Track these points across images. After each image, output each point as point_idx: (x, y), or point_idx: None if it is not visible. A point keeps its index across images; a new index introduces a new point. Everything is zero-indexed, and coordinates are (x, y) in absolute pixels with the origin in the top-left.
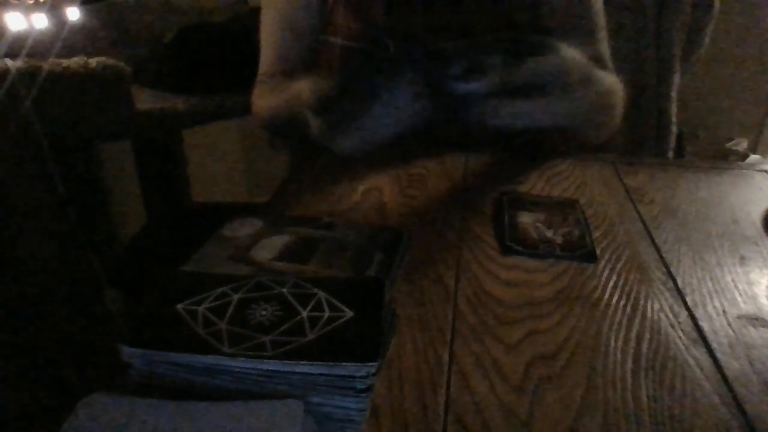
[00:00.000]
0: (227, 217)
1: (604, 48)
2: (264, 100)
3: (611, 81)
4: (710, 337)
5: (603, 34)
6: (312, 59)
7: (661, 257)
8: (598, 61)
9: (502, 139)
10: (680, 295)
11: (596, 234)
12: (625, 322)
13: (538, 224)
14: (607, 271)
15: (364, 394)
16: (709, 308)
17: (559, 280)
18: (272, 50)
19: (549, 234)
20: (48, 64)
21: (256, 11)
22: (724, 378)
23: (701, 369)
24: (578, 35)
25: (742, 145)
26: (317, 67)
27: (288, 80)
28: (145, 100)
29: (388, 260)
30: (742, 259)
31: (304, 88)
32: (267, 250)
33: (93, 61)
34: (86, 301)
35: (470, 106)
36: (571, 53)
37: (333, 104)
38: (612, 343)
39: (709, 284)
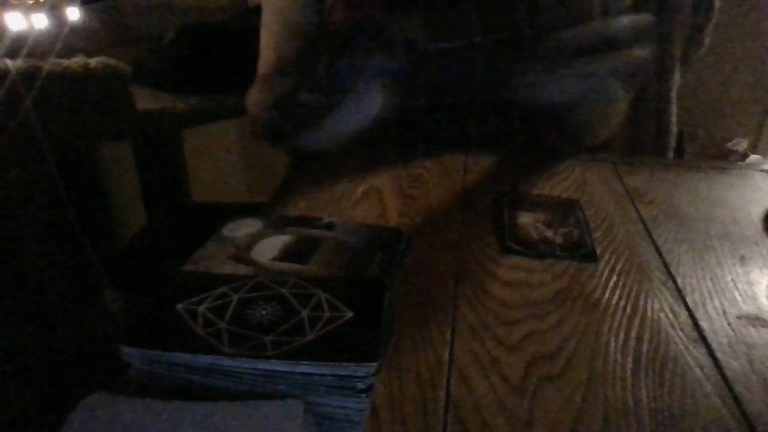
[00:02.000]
0: (227, 217)
1: None
2: (257, 99)
3: (611, 82)
4: (710, 337)
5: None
6: (311, 59)
7: (661, 257)
8: None
9: (502, 139)
10: (680, 295)
11: (596, 234)
12: (625, 322)
13: (538, 224)
14: (607, 271)
15: (364, 394)
16: (709, 308)
17: (559, 280)
18: (271, 50)
19: (549, 234)
20: (48, 64)
21: (256, 11)
22: (724, 378)
23: (701, 369)
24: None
25: (742, 145)
26: None
27: (280, 80)
28: (145, 100)
29: (388, 260)
30: (742, 259)
31: (293, 86)
32: (267, 250)
33: (93, 61)
34: (86, 301)
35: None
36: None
37: (296, 101)
38: (612, 343)
39: (709, 284)
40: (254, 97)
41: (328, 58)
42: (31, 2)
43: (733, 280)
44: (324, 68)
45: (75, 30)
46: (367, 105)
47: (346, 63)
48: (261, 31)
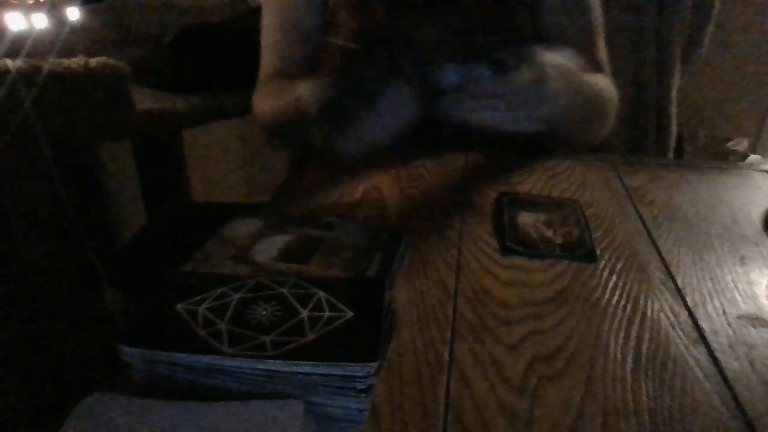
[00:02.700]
0: (227, 217)
1: (602, 49)
2: (265, 102)
3: (604, 84)
4: (710, 337)
5: (600, 36)
6: (314, 60)
7: (661, 257)
8: (594, 63)
9: (502, 138)
10: (680, 295)
11: (596, 234)
12: (625, 322)
13: (538, 224)
14: (607, 271)
15: (364, 394)
16: (709, 308)
17: (559, 280)
18: (273, 51)
19: (549, 234)
20: (48, 64)
21: (256, 11)
22: (724, 378)
23: (701, 369)
24: (575, 36)
25: (742, 145)
26: (318, 68)
27: (289, 82)
28: (145, 100)
29: (388, 260)
30: (742, 259)
31: (305, 91)
32: (267, 250)
33: (93, 61)
34: (86, 301)
35: (451, 108)
36: (556, 61)
37: (333, 107)
38: (612, 343)
39: (709, 284)
40: (259, 99)
41: (366, 65)
42: (31, 2)
43: (733, 280)
44: (361, 73)
45: (75, 30)
46: (398, 111)
47: (377, 70)
48: (262, 32)
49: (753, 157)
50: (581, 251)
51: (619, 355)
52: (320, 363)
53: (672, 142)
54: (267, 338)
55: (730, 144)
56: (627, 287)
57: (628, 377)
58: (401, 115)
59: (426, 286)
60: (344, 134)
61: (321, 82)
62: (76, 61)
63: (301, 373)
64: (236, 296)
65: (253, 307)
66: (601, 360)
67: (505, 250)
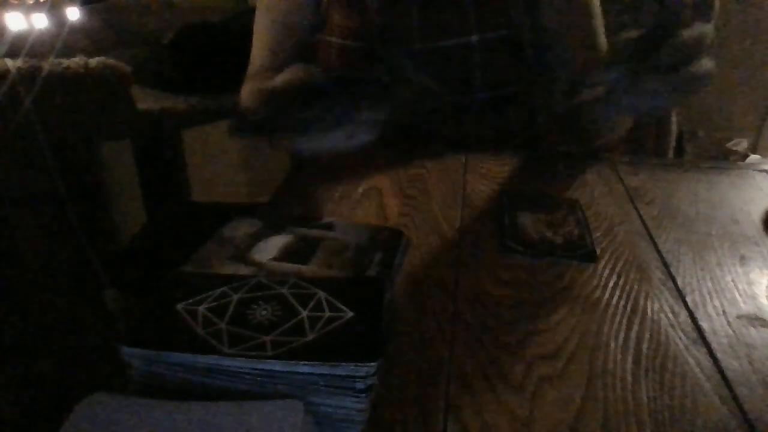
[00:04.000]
0: (227, 217)
1: (603, 49)
2: (255, 90)
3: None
4: (710, 337)
5: (601, 35)
6: (306, 58)
7: (661, 257)
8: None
9: (502, 138)
10: (680, 295)
11: (596, 234)
12: (625, 322)
13: (538, 224)
14: (607, 271)
15: (364, 394)
16: (709, 308)
17: (559, 280)
18: (265, 48)
19: (549, 234)
20: (48, 64)
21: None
22: (724, 378)
23: (701, 369)
24: (576, 36)
25: (742, 145)
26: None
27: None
28: (145, 100)
29: (388, 260)
30: (742, 259)
31: (296, 75)
32: (267, 250)
33: (93, 61)
34: (86, 301)
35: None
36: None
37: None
38: (612, 343)
39: (709, 284)
40: (245, 94)
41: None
42: (31, 2)
43: (733, 280)
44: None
45: (75, 30)
46: (352, 140)
47: (342, 107)
48: (254, 28)
49: (753, 157)
50: (581, 251)
51: (619, 355)
52: (320, 363)
53: (672, 142)
54: (267, 338)
55: (730, 144)
56: (627, 287)
57: (628, 377)
58: (352, 142)
59: (426, 286)
60: (290, 131)
61: (312, 69)
62: (76, 61)
63: (301, 373)
64: (236, 296)
65: (253, 307)
66: (601, 360)
67: (505, 250)
